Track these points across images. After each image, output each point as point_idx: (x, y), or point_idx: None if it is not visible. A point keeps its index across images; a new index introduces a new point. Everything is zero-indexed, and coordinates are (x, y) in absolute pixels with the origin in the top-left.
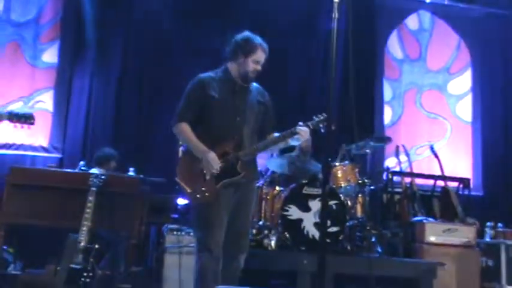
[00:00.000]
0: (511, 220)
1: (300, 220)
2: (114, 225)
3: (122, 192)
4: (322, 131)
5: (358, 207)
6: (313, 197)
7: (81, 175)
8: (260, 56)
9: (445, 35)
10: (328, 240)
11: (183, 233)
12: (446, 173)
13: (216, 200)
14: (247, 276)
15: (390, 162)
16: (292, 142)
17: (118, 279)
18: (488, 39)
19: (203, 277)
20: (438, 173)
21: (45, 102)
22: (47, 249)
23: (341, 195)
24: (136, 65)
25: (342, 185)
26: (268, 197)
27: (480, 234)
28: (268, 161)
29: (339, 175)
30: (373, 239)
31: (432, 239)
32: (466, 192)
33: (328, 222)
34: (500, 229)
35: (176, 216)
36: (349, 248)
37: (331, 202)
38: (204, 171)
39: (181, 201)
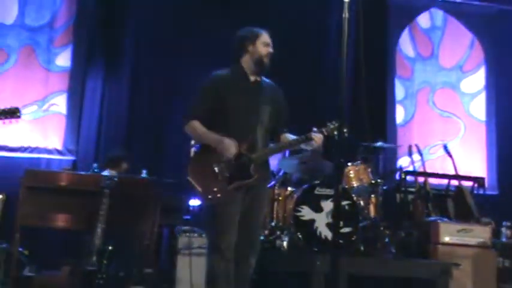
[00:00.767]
0: None
1: (313, 221)
2: (127, 227)
3: (135, 193)
4: (336, 138)
5: (371, 208)
6: (326, 197)
7: (94, 177)
8: (266, 37)
9: (458, 33)
10: (341, 241)
11: (195, 234)
12: (460, 172)
13: (227, 201)
14: (260, 277)
15: (403, 162)
16: (305, 147)
17: (131, 281)
18: (502, 36)
19: (214, 278)
20: (452, 172)
21: (58, 105)
22: (62, 251)
23: (354, 195)
24: (148, 67)
25: (355, 185)
26: (280, 198)
27: (496, 234)
28: (280, 162)
29: (352, 175)
30: (387, 240)
31: (447, 239)
32: (481, 191)
33: (341, 223)
34: None
35: (188, 217)
36: (362, 248)
37: (344, 202)
38: (217, 171)
39: (193, 202)
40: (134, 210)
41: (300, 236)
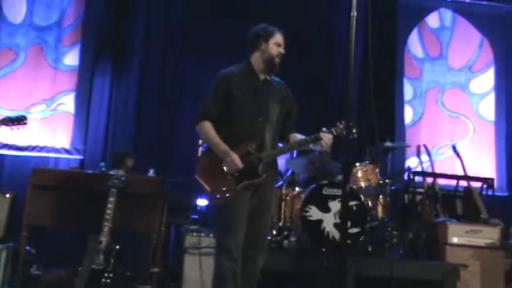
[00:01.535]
0: None
1: (320, 221)
2: (134, 226)
3: (142, 193)
4: (345, 137)
5: (379, 208)
6: (333, 197)
7: (101, 176)
8: (279, 38)
9: (467, 33)
10: (348, 242)
11: (202, 233)
12: (469, 173)
13: (236, 201)
14: (267, 277)
15: (412, 162)
16: (314, 147)
17: (138, 280)
18: (511, 36)
19: (222, 278)
20: (461, 173)
21: (66, 104)
22: (69, 250)
23: (361, 195)
24: (156, 66)
25: (363, 185)
26: (287, 198)
27: (505, 235)
28: (288, 162)
29: (360, 175)
30: (395, 240)
31: (455, 240)
32: (490, 192)
33: (349, 223)
34: None
35: (196, 217)
36: (370, 249)
37: (352, 203)
38: (225, 170)
39: (201, 201)
40: (141, 210)
41: (307, 236)
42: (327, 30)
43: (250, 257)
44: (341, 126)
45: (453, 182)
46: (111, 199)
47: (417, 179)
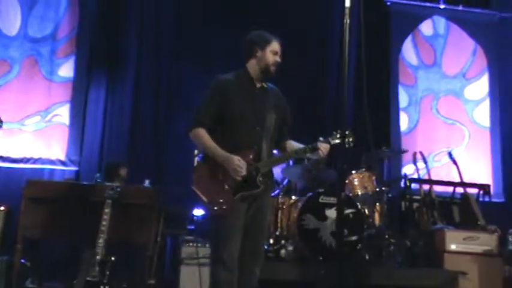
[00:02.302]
0: None
1: (317, 229)
2: (130, 237)
3: (138, 203)
4: (341, 146)
5: (376, 216)
6: (330, 205)
7: (96, 187)
8: (276, 46)
9: (461, 41)
10: (346, 250)
11: (198, 244)
12: (466, 180)
13: (233, 212)
14: (264, 286)
15: (408, 170)
16: (311, 156)
17: None
18: (505, 43)
19: None
20: (457, 179)
21: (61, 115)
22: (64, 262)
23: (358, 203)
24: (151, 77)
25: (359, 193)
26: (284, 207)
27: (502, 241)
28: (284, 170)
29: (356, 183)
30: (392, 248)
31: (453, 247)
32: (487, 198)
33: (346, 232)
34: None
35: (192, 227)
36: (367, 257)
37: (348, 211)
38: (223, 181)
39: (197, 212)
40: (137, 220)
41: (304, 245)
42: (320, 35)
43: (247, 267)
44: (337, 135)
45: (450, 189)
46: (106, 210)
47: (414, 186)
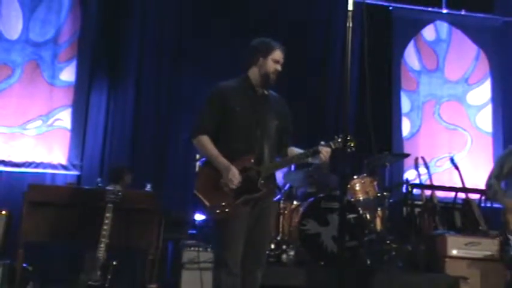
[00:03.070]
0: None
1: (319, 234)
2: (131, 242)
3: (139, 208)
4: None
5: (378, 221)
6: (332, 210)
7: (98, 191)
8: (279, 55)
9: (463, 45)
10: (347, 255)
11: (200, 248)
12: (468, 185)
13: (235, 216)
14: None
15: (410, 175)
16: (312, 160)
17: None
18: (507, 48)
19: None
20: (459, 185)
21: (63, 120)
22: (66, 267)
23: (360, 208)
24: (153, 81)
25: (361, 198)
26: (286, 212)
27: (504, 247)
28: (286, 175)
29: (358, 188)
30: (394, 253)
31: (454, 252)
32: (489, 204)
33: (347, 237)
34: None
35: (194, 231)
36: (369, 262)
37: (350, 216)
38: (224, 186)
39: (198, 216)
40: (138, 225)
41: (305, 250)
42: (322, 40)
43: (249, 271)
44: (339, 139)
45: (451, 194)
46: (107, 214)
47: (415, 191)
